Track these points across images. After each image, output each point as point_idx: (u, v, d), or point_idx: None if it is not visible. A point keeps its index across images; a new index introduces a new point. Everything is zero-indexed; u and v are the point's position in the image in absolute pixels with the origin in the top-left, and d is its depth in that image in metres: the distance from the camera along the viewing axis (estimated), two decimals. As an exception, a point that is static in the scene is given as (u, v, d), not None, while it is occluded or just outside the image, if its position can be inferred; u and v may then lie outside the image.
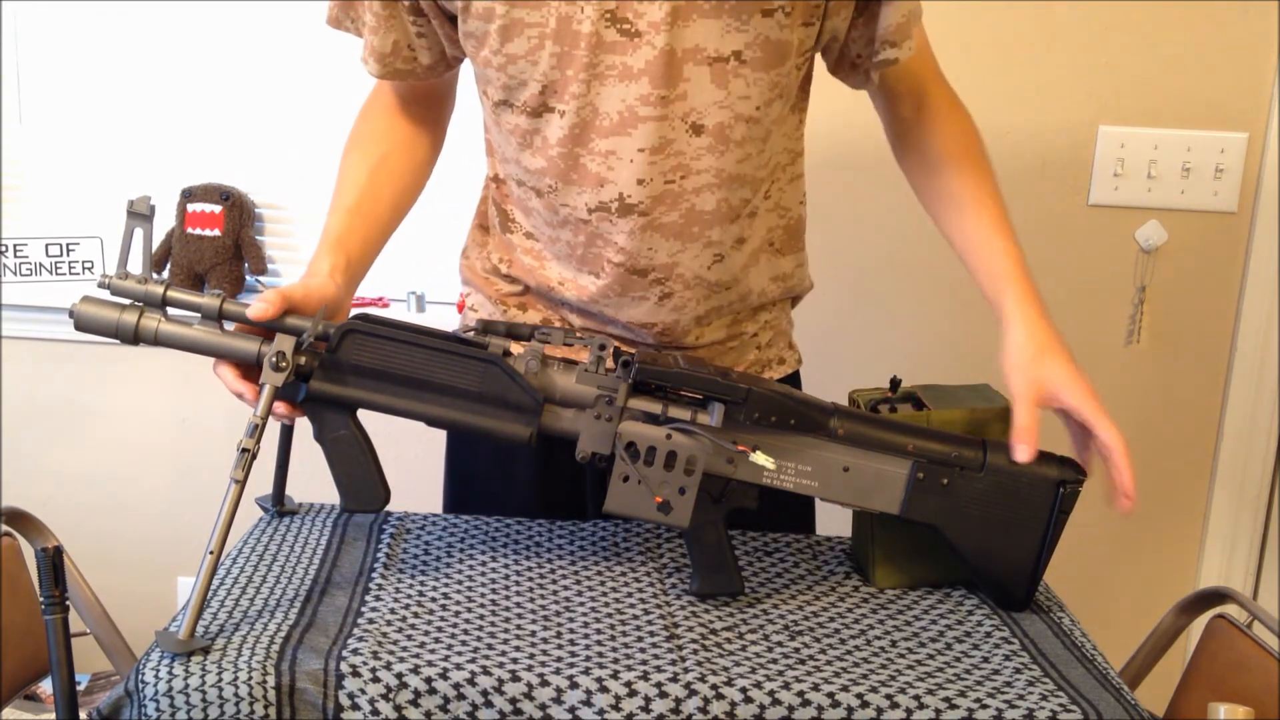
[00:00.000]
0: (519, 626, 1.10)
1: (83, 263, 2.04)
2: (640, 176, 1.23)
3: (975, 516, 1.18)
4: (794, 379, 1.48)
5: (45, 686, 2.12)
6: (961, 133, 1.36)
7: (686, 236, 1.27)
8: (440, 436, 1.21)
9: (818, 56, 1.32)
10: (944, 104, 1.37)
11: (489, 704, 1.00)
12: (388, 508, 1.20)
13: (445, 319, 2.20)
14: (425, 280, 2.22)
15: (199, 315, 1.14)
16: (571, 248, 1.30)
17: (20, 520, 1.44)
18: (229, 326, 1.15)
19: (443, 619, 1.11)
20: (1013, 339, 1.22)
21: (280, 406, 1.14)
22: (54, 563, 1.33)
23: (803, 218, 1.40)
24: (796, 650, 1.09)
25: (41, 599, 1.34)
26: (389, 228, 1.34)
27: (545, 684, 1.01)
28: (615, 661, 1.04)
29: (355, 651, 1.02)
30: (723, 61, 1.20)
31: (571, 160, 1.24)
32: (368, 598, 1.14)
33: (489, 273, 1.42)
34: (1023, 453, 1.17)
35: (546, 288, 1.35)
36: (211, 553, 1.06)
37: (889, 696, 1.01)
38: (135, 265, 1.13)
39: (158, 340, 1.14)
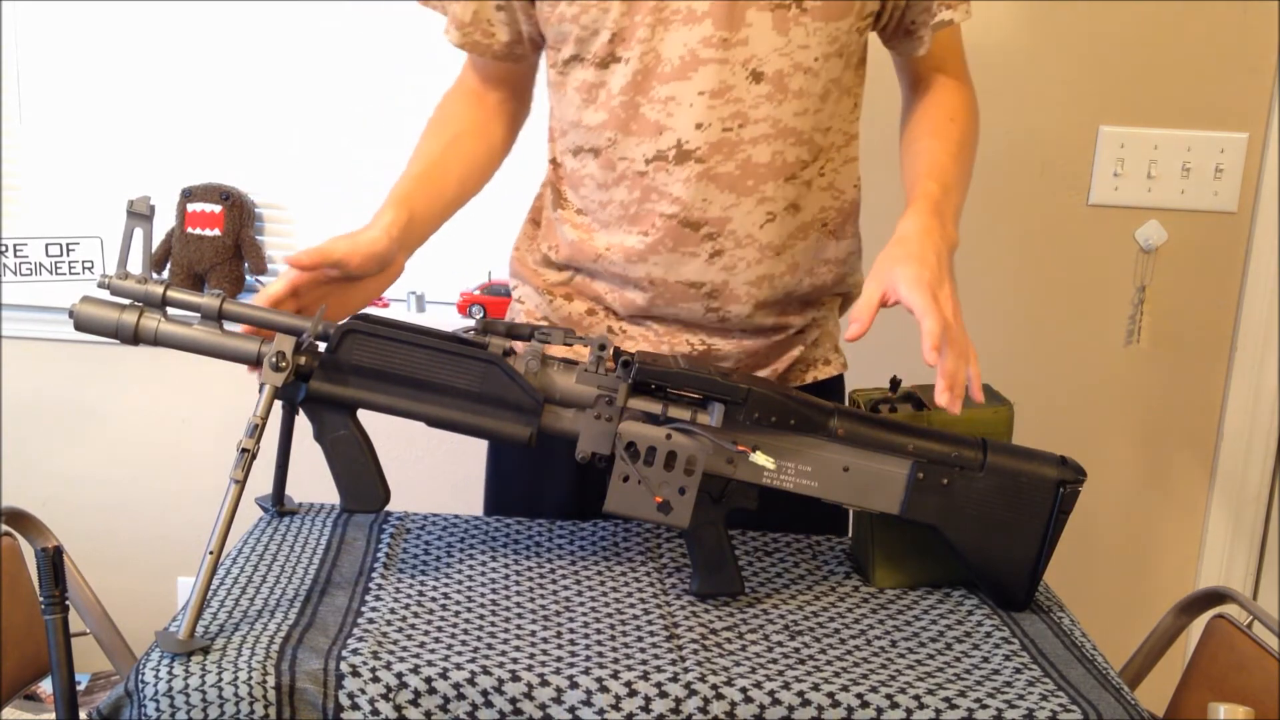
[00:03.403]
0: (519, 626, 1.10)
1: (83, 263, 2.04)
2: (699, 121, 1.26)
3: (975, 516, 1.18)
4: (838, 381, 1.49)
5: (45, 686, 2.12)
6: (942, 103, 1.38)
7: (741, 190, 1.29)
8: (441, 436, 1.21)
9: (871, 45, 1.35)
10: (948, 82, 1.40)
11: (489, 704, 1.00)
12: (388, 508, 1.20)
13: (445, 319, 2.20)
14: (425, 280, 2.22)
15: (199, 315, 1.14)
16: (624, 207, 1.32)
17: (20, 520, 1.44)
18: (230, 327, 1.15)
19: (443, 619, 1.11)
20: (883, 250, 1.21)
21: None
22: (54, 563, 1.33)
23: (856, 202, 1.42)
24: (796, 650, 1.09)
25: (41, 599, 1.34)
26: (454, 203, 1.37)
27: (545, 684, 1.01)
28: (615, 661, 1.04)
29: (355, 651, 1.02)
30: (784, 8, 1.24)
31: (632, 109, 1.28)
32: (368, 598, 1.14)
33: (537, 264, 1.44)
34: (851, 329, 1.13)
35: (593, 256, 1.36)
36: (211, 553, 1.06)
37: (889, 696, 1.01)
38: (135, 265, 1.13)
39: (158, 340, 1.14)
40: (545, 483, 1.43)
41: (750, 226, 1.31)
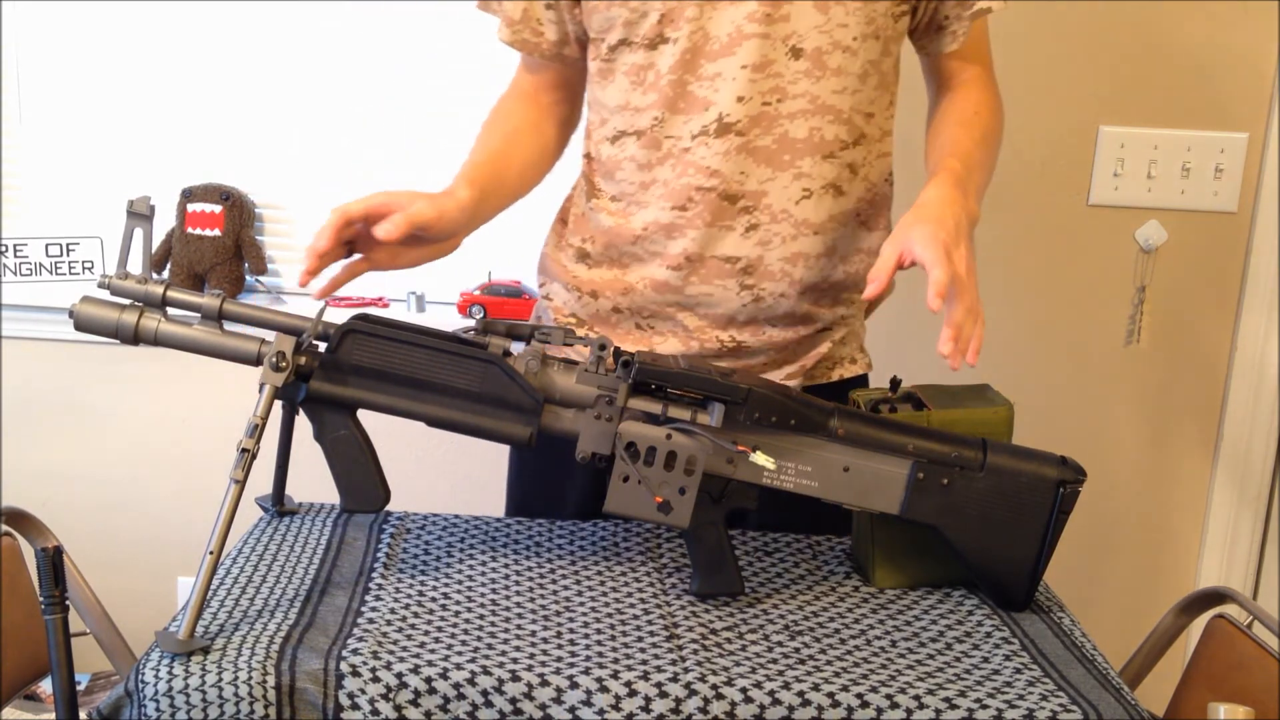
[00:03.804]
0: (519, 626, 1.10)
1: (83, 263, 2.04)
2: (741, 94, 1.29)
3: (975, 516, 1.18)
4: (863, 380, 1.50)
5: (45, 686, 2.12)
6: (968, 97, 1.41)
7: (777, 164, 1.32)
8: (441, 436, 1.21)
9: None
10: (975, 80, 1.43)
11: (489, 704, 1.00)
12: (388, 508, 1.20)
13: (445, 319, 2.20)
14: (425, 280, 2.22)
15: (199, 315, 1.14)
16: (665, 185, 1.34)
17: (20, 520, 1.44)
18: (230, 327, 1.15)
19: (443, 619, 1.11)
20: (904, 215, 1.22)
21: None
22: (54, 563, 1.33)
23: (887, 196, 1.44)
24: (796, 650, 1.09)
25: (41, 599, 1.34)
26: (513, 194, 1.41)
27: (545, 684, 1.01)
28: (615, 661, 1.04)
29: (355, 651, 1.02)
30: None
31: (680, 88, 1.31)
32: (368, 598, 1.14)
33: (569, 260, 1.45)
34: (869, 289, 1.15)
35: (630, 238, 1.38)
36: (211, 553, 1.06)
37: (889, 696, 1.01)
38: (135, 265, 1.13)
39: (158, 340, 1.14)
40: (568, 484, 1.43)
41: (786, 201, 1.33)
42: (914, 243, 1.15)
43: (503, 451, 1.52)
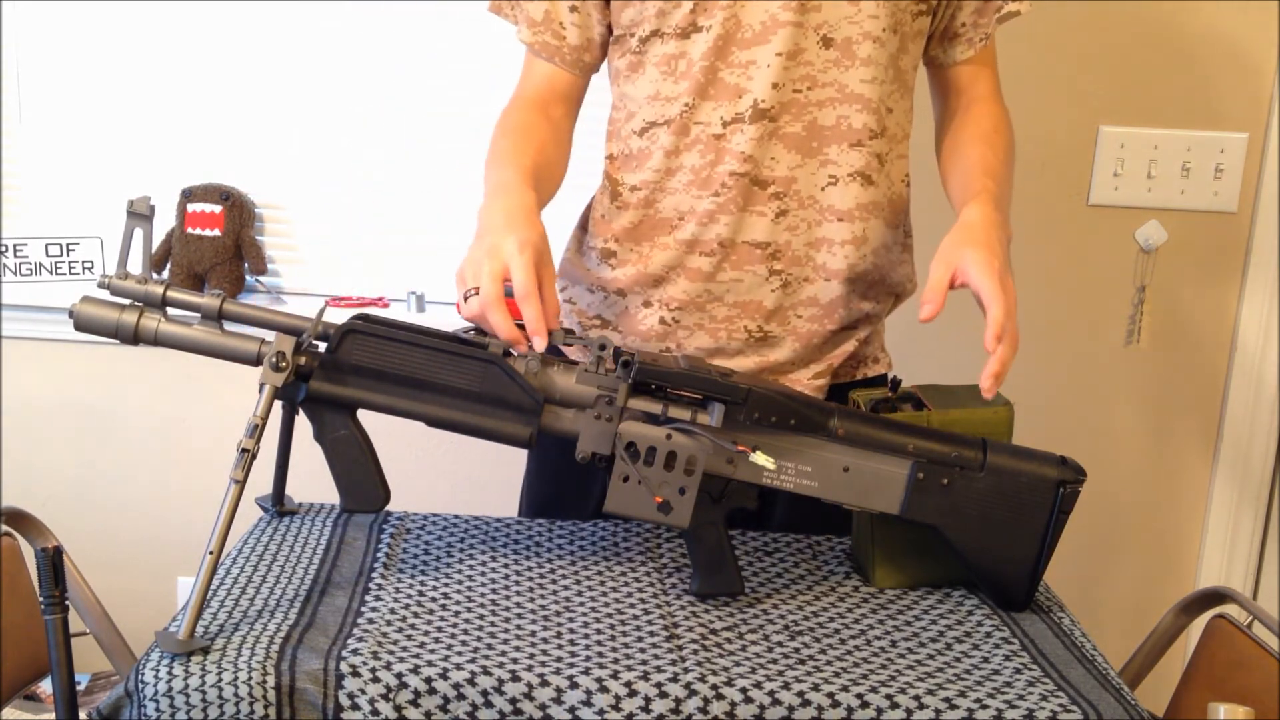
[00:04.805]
0: (519, 626, 1.10)
1: (83, 263, 2.04)
2: (775, 80, 1.32)
3: (975, 516, 1.18)
4: (882, 381, 1.50)
5: (45, 686, 2.12)
6: (987, 114, 1.42)
7: (805, 150, 1.34)
8: (441, 436, 1.21)
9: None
10: (987, 95, 1.44)
11: (489, 704, 1.00)
12: (388, 508, 1.20)
13: (445, 319, 2.20)
14: (425, 280, 2.22)
15: (199, 315, 1.14)
16: (695, 172, 1.35)
17: (20, 520, 1.44)
18: (230, 326, 1.15)
19: (443, 619, 1.11)
20: (948, 234, 1.24)
21: None
22: (54, 563, 1.33)
23: (904, 196, 1.45)
24: (796, 650, 1.09)
25: (41, 599, 1.34)
26: (544, 204, 1.34)
27: (545, 684, 1.01)
28: (615, 661, 1.04)
29: (355, 651, 1.02)
30: None
31: (711, 74, 1.33)
32: (368, 598, 1.14)
33: (592, 264, 1.45)
34: (926, 310, 1.17)
35: (660, 227, 1.38)
36: (211, 553, 1.06)
37: (889, 696, 1.01)
38: (135, 265, 1.13)
39: (158, 340, 1.14)
40: (591, 483, 1.42)
41: (813, 188, 1.35)
42: (968, 266, 1.17)
43: (503, 452, 1.52)
